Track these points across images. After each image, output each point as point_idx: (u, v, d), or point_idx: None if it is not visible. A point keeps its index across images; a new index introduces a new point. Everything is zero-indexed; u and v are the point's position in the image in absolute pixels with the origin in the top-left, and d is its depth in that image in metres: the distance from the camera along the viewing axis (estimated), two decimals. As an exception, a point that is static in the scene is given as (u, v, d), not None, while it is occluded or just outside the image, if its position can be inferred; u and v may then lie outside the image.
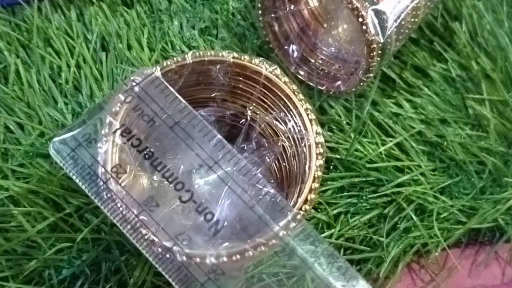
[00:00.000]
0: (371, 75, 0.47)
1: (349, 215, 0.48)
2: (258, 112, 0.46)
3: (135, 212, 0.35)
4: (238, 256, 0.34)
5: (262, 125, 0.46)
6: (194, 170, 0.37)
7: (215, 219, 0.35)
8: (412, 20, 0.47)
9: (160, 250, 0.34)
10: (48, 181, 0.45)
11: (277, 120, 0.45)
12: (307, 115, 0.43)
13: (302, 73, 0.53)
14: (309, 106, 0.43)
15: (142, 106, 0.38)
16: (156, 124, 0.38)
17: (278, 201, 0.36)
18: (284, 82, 0.44)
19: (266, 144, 0.46)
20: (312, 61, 0.53)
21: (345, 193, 0.49)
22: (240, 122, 0.47)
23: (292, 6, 0.52)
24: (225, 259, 0.34)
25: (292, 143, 0.44)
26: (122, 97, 0.38)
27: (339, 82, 0.51)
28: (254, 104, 0.46)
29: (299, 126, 0.43)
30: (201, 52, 0.43)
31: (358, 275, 0.35)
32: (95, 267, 0.44)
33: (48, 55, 0.52)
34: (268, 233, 0.35)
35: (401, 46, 0.52)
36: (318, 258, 0.35)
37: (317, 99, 0.51)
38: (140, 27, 0.55)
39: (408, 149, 0.51)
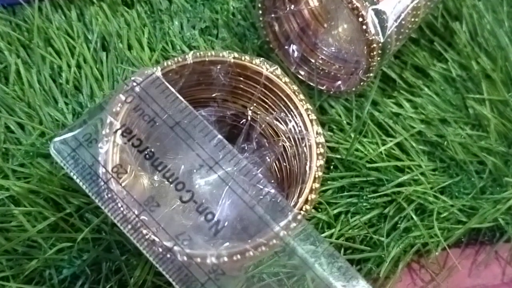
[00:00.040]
0: (371, 75, 0.47)
1: (349, 215, 0.48)
2: (258, 112, 0.46)
3: (136, 212, 0.35)
4: (239, 256, 0.34)
5: (263, 125, 0.46)
6: (194, 170, 0.37)
7: (215, 219, 0.35)
8: (412, 20, 0.47)
9: (160, 250, 0.34)
10: (48, 181, 0.45)
11: (277, 120, 0.45)
12: (308, 115, 0.43)
13: (302, 73, 0.53)
14: (309, 107, 0.43)
15: (142, 106, 0.38)
16: (157, 124, 0.38)
17: (278, 201, 0.36)
18: (285, 83, 0.44)
19: (267, 144, 0.46)
20: (313, 61, 0.53)
21: (346, 193, 0.49)
22: (241, 122, 0.47)
23: (292, 6, 0.52)
24: (225, 259, 0.34)
25: (293, 143, 0.44)
26: (123, 97, 0.38)
27: (339, 82, 0.51)
28: (254, 104, 0.46)
29: (300, 126, 0.43)
30: (201, 52, 0.43)
31: (358, 275, 0.35)
32: (95, 267, 0.44)
33: (49, 55, 0.52)
34: (269, 233, 0.35)
35: (401, 46, 0.52)
36: (319, 258, 0.35)
37: (318, 99, 0.51)
38: (140, 27, 0.55)
39: (408, 149, 0.51)
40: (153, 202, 0.35)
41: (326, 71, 0.53)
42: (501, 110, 0.53)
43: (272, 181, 0.45)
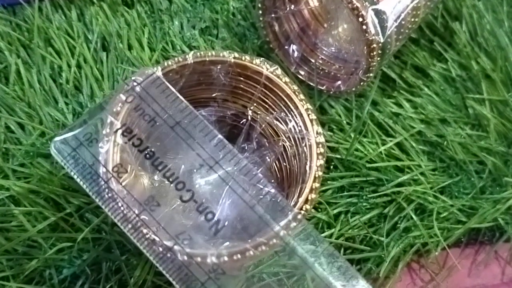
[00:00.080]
0: (371, 75, 0.47)
1: (349, 214, 0.48)
2: (259, 112, 0.46)
3: (136, 211, 0.35)
4: (239, 256, 0.34)
5: (263, 125, 0.46)
6: (195, 170, 0.37)
7: (215, 218, 0.35)
8: (412, 20, 0.47)
9: (161, 249, 0.34)
10: (48, 181, 0.45)
11: (277, 120, 0.45)
12: (308, 115, 0.43)
13: (302, 73, 0.53)
14: (309, 106, 0.44)
15: (143, 106, 0.38)
16: (157, 124, 0.38)
17: (278, 200, 0.36)
18: (285, 82, 0.44)
19: (267, 144, 0.46)
20: (313, 61, 0.53)
21: (345, 193, 0.49)
22: (241, 122, 0.47)
23: (293, 6, 0.52)
24: (226, 258, 0.34)
25: (293, 143, 0.44)
26: (123, 97, 0.38)
27: (339, 82, 0.51)
28: (255, 104, 0.46)
29: (300, 126, 0.43)
30: (202, 52, 0.44)
31: (358, 274, 0.35)
32: (95, 266, 0.44)
33: (49, 55, 0.52)
34: (269, 233, 0.35)
35: (401, 46, 0.52)
36: (318, 258, 0.35)
37: (317, 99, 0.51)
38: (140, 27, 0.55)
39: (408, 149, 0.51)
40: (154, 201, 0.35)
41: (326, 71, 0.53)
42: (500, 110, 0.53)
43: (272, 180, 0.45)
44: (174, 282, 0.34)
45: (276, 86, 0.44)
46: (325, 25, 0.53)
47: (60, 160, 0.37)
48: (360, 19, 0.44)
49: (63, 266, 0.44)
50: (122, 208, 0.35)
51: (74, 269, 0.44)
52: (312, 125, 0.43)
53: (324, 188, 0.49)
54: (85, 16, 0.55)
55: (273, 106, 0.45)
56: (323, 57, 0.53)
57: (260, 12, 0.51)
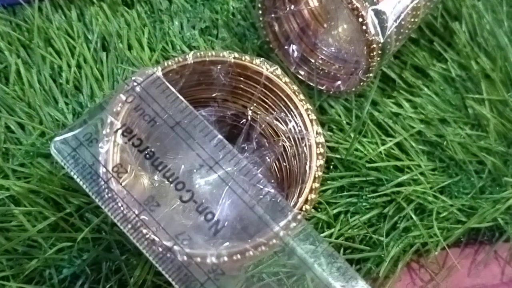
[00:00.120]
0: (371, 75, 0.47)
1: (349, 214, 0.48)
2: (258, 112, 0.46)
3: (136, 211, 0.35)
4: (239, 256, 0.34)
5: (263, 125, 0.46)
6: (194, 170, 0.37)
7: (215, 219, 0.35)
8: (412, 20, 0.47)
9: (160, 249, 0.34)
10: (48, 180, 0.45)
11: (277, 120, 0.45)
12: (308, 115, 0.43)
13: (302, 73, 0.53)
14: (309, 107, 0.44)
15: (143, 106, 0.38)
16: (157, 124, 0.38)
17: (278, 201, 0.36)
18: (285, 83, 0.44)
19: (267, 144, 0.46)
20: (312, 61, 0.53)
21: (345, 193, 0.49)
22: (241, 122, 0.47)
23: (292, 6, 0.52)
24: (225, 258, 0.34)
25: (293, 143, 0.44)
26: (123, 97, 0.38)
27: (339, 82, 0.51)
28: (254, 104, 0.46)
29: (300, 126, 0.43)
30: (202, 53, 0.44)
31: (357, 275, 0.35)
32: (95, 266, 0.44)
33: (49, 55, 0.52)
34: (268, 233, 0.35)
35: (401, 46, 0.52)
36: (318, 258, 0.35)
37: (317, 99, 0.51)
38: (140, 27, 0.55)
39: (407, 148, 0.51)
40: (153, 201, 0.35)
41: (326, 71, 0.53)
42: (500, 110, 0.53)
43: (272, 181, 0.45)
44: (173, 283, 0.34)
45: (276, 86, 0.44)
46: (325, 25, 0.53)
47: (60, 160, 0.37)
48: (360, 19, 0.44)
49: (63, 266, 0.44)
50: (122, 208, 0.35)
51: (74, 269, 0.44)
52: (312, 125, 0.43)
53: (324, 188, 0.49)
54: (85, 16, 0.55)
55: (273, 106, 0.45)
56: (323, 57, 0.53)
57: (260, 12, 0.51)
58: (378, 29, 0.44)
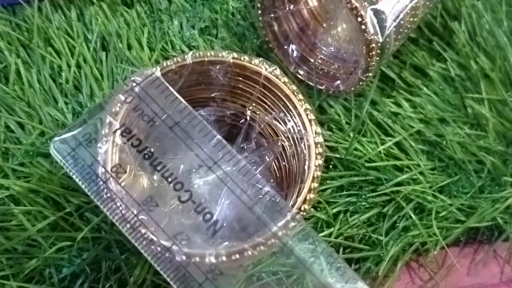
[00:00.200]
0: (370, 74, 0.47)
1: (348, 214, 0.48)
2: (257, 112, 0.47)
3: (135, 211, 0.35)
4: (237, 256, 0.34)
5: (262, 125, 0.46)
6: (193, 170, 0.37)
7: (214, 219, 0.35)
8: (411, 19, 0.47)
9: (159, 249, 0.34)
10: (48, 180, 0.46)
11: (276, 120, 0.45)
12: (307, 115, 0.43)
13: (301, 72, 0.53)
14: (308, 107, 0.44)
15: (142, 106, 0.38)
16: (156, 124, 0.38)
17: (277, 201, 0.36)
18: (284, 83, 0.44)
19: (266, 144, 0.46)
20: (312, 60, 0.53)
21: (345, 192, 0.49)
22: (240, 122, 0.47)
23: (292, 6, 0.52)
24: (224, 258, 0.34)
25: (292, 143, 0.44)
26: (122, 97, 0.39)
27: (338, 82, 0.51)
28: (253, 104, 0.46)
29: (299, 126, 0.44)
30: (201, 53, 0.44)
31: (356, 275, 0.35)
32: (95, 265, 0.44)
33: (49, 54, 0.52)
34: (267, 233, 0.35)
35: (400, 45, 0.52)
36: (317, 258, 0.35)
37: (317, 98, 0.51)
38: (140, 27, 0.55)
39: (407, 148, 0.51)
40: (152, 201, 0.36)
41: (325, 70, 0.53)
42: (499, 110, 0.53)
43: (271, 180, 0.45)
44: (172, 283, 0.34)
45: (275, 86, 0.44)
46: (324, 25, 0.53)
47: (60, 160, 0.37)
48: (359, 19, 0.44)
49: (62, 265, 0.44)
50: (120, 208, 0.35)
51: (73, 268, 0.44)
52: (311, 125, 0.43)
53: (323, 187, 0.49)
54: (84, 16, 0.55)
55: (272, 106, 0.45)
56: (322, 56, 0.53)
57: (260, 12, 0.51)
58: (377, 28, 0.44)
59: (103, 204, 0.35)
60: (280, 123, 0.45)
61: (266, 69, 0.44)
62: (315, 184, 0.40)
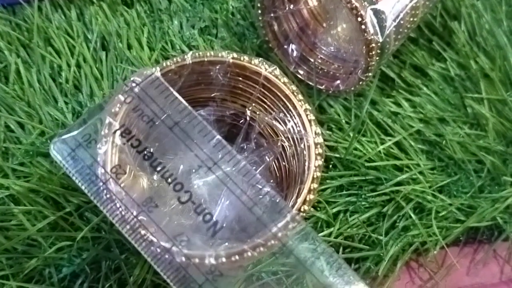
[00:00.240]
0: (370, 74, 0.47)
1: (348, 213, 0.48)
2: (257, 112, 0.47)
3: (134, 212, 0.35)
4: (237, 257, 0.34)
5: (262, 125, 0.46)
6: (193, 171, 0.37)
7: (214, 219, 0.35)
8: (411, 19, 0.47)
9: (158, 250, 0.34)
10: (48, 180, 0.46)
11: (276, 120, 0.45)
12: (306, 115, 0.43)
13: (301, 72, 0.53)
14: (308, 107, 0.44)
15: (142, 106, 0.38)
16: (156, 124, 0.38)
17: (277, 201, 0.36)
18: (284, 83, 0.44)
19: (266, 144, 0.46)
20: (312, 60, 0.53)
21: (344, 192, 0.49)
22: (240, 122, 0.47)
23: (292, 6, 0.52)
24: (224, 259, 0.34)
25: (292, 143, 0.44)
26: (122, 98, 0.38)
27: (338, 81, 0.51)
28: (253, 104, 0.46)
29: (299, 127, 0.44)
30: (200, 53, 0.44)
31: (356, 276, 0.35)
32: (95, 265, 0.44)
33: (49, 54, 0.52)
34: (267, 234, 0.35)
35: (400, 45, 0.52)
36: (317, 259, 0.35)
37: (317, 98, 0.51)
38: (140, 26, 0.55)
39: (407, 148, 0.51)
40: (152, 202, 0.35)
41: (325, 70, 0.53)
42: (499, 109, 0.53)
43: (271, 181, 0.45)
44: (172, 284, 0.34)
45: (274, 86, 0.44)
46: (324, 25, 0.53)
47: (59, 160, 0.37)
48: (359, 19, 0.44)
49: (62, 265, 0.44)
50: (120, 209, 0.35)
51: (73, 268, 0.44)
52: (311, 125, 0.43)
53: (323, 187, 0.49)
54: (84, 15, 0.55)
55: (272, 106, 0.45)
56: (322, 56, 0.53)
57: (259, 11, 0.51)
58: (377, 28, 0.44)
59: (102, 205, 0.35)
60: (280, 123, 0.45)
61: (266, 69, 0.44)
62: (315, 185, 0.40)
